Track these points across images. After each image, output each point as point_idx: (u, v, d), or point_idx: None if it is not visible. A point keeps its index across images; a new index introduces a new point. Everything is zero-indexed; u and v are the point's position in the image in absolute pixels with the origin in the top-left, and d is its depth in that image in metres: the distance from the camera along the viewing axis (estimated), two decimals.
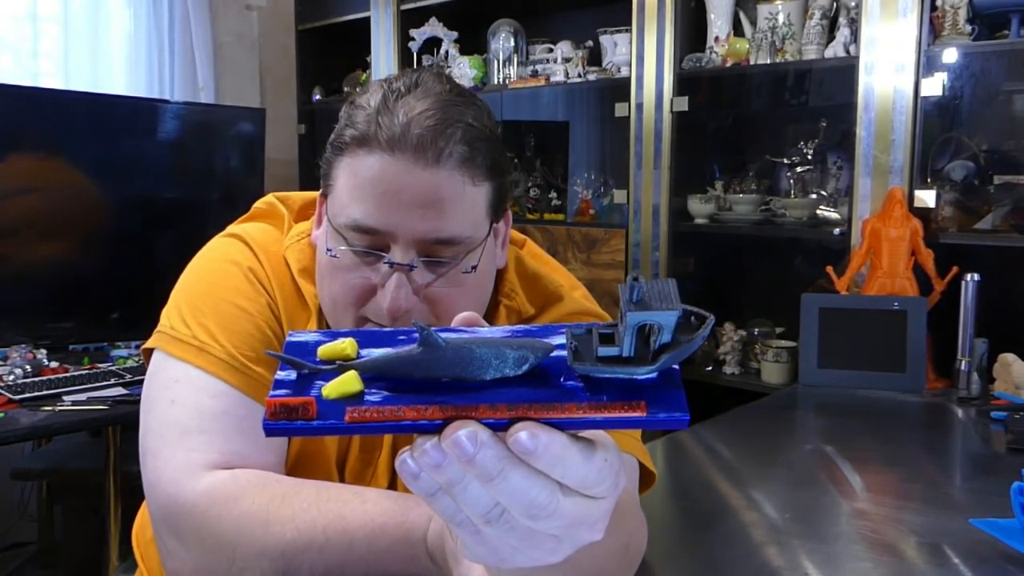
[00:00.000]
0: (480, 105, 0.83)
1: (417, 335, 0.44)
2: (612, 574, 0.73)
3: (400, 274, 0.78)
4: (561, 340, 0.46)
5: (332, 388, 0.43)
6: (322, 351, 0.46)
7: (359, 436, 0.89)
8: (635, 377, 0.42)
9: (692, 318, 0.44)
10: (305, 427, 0.42)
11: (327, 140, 0.84)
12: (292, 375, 0.45)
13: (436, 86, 0.80)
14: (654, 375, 0.42)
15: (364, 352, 0.47)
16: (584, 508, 0.43)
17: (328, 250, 0.81)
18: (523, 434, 0.40)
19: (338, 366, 0.45)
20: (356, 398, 0.43)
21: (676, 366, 0.43)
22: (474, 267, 0.81)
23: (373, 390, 0.43)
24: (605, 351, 0.43)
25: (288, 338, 0.49)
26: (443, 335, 0.44)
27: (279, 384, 0.44)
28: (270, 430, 0.42)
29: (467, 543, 0.46)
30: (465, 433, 0.40)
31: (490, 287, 0.88)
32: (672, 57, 2.43)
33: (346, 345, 0.46)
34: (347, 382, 0.43)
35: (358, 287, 0.80)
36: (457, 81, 0.85)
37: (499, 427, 0.41)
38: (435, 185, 0.76)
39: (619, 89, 2.58)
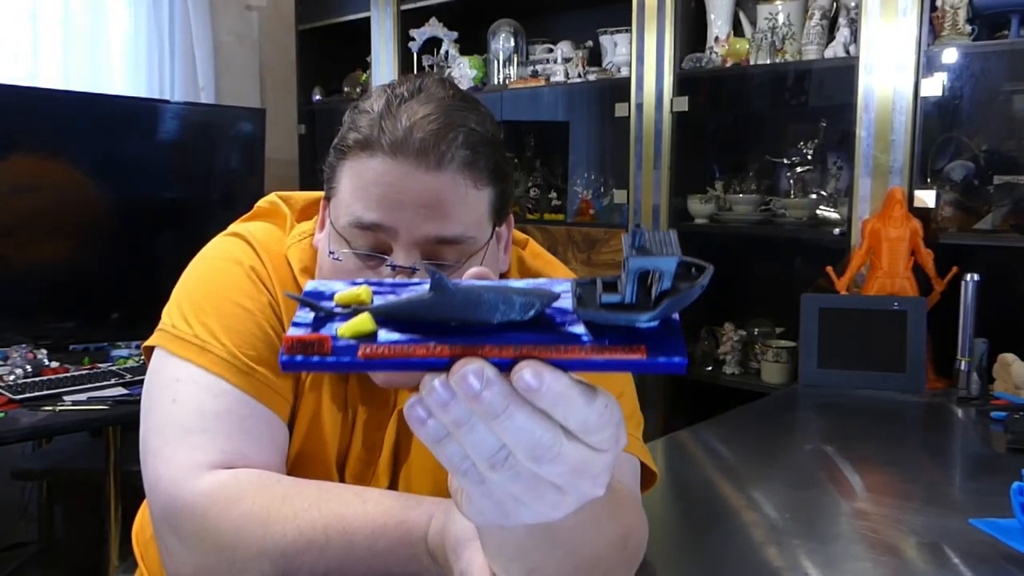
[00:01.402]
0: (483, 110, 0.83)
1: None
2: (610, 565, 0.73)
3: (403, 276, 0.78)
4: (567, 289, 0.48)
5: (347, 328, 0.45)
6: (339, 297, 0.48)
7: (360, 436, 0.89)
8: (637, 324, 0.44)
9: (692, 269, 0.45)
10: (320, 362, 0.44)
11: (327, 140, 0.84)
12: (309, 317, 0.47)
13: (439, 91, 0.80)
14: (655, 323, 0.44)
15: (379, 299, 0.49)
16: (586, 456, 0.44)
17: (331, 253, 0.81)
18: (527, 371, 0.42)
19: (353, 310, 0.47)
20: (369, 338, 0.45)
21: (676, 316, 0.45)
22: None
23: (385, 331, 0.45)
24: (608, 298, 0.44)
25: (307, 287, 0.50)
26: (454, 282, 0.46)
27: (296, 324, 0.46)
28: (287, 364, 0.44)
29: (472, 496, 0.47)
30: (472, 369, 0.42)
31: None
32: (672, 57, 2.43)
33: (361, 291, 0.48)
34: (361, 323, 0.45)
35: None
36: (457, 82, 0.85)
37: (505, 366, 0.43)
38: (437, 188, 0.77)
39: (619, 89, 2.58)
